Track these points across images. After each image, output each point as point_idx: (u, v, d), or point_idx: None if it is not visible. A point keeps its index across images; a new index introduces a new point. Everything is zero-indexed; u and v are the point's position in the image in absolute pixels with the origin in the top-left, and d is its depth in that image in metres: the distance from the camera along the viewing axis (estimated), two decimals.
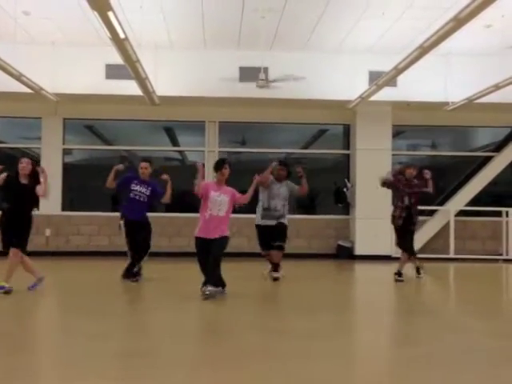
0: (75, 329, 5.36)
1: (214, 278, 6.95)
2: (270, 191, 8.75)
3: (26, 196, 7.23)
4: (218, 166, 7.31)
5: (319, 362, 4.29)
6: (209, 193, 7.10)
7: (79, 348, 4.62)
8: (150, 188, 8.47)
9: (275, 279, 8.62)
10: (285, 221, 8.75)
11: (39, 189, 7.29)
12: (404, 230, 8.94)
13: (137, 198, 8.40)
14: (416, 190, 8.99)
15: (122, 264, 8.42)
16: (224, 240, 7.09)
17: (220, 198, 7.11)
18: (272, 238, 8.61)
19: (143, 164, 8.61)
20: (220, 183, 7.26)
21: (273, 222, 8.64)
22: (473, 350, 4.71)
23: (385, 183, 9.27)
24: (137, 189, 8.42)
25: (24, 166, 7.20)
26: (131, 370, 4.00)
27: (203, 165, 7.81)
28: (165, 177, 8.46)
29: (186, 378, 3.94)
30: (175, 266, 10.74)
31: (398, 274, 8.87)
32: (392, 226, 9.16)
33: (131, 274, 8.26)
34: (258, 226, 8.78)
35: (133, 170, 9.03)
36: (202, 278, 6.99)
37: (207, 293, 6.77)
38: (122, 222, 8.42)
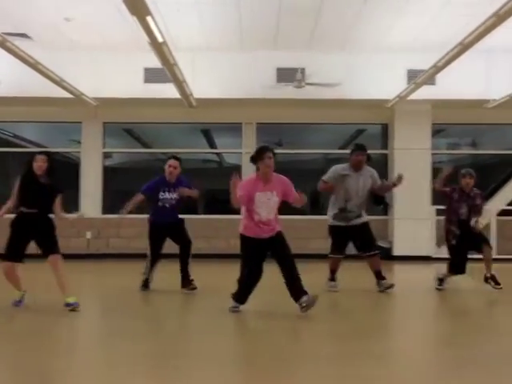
0: (118, 330, 5.43)
1: (302, 284, 5.72)
2: (345, 188, 7.37)
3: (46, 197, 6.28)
4: (259, 154, 5.64)
5: (363, 362, 4.25)
6: (253, 194, 5.65)
7: (124, 349, 4.67)
8: (178, 190, 7.58)
9: (389, 287, 7.52)
10: (363, 219, 7.58)
11: None
12: (458, 249, 7.55)
13: (166, 205, 7.56)
14: (477, 203, 7.59)
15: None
16: (283, 236, 5.81)
17: (269, 199, 5.65)
18: (355, 242, 7.67)
19: (172, 162, 7.48)
20: (266, 178, 5.66)
21: (347, 223, 7.54)
22: None
23: (441, 191, 7.72)
24: (165, 197, 7.54)
25: (40, 164, 6.16)
26: (178, 371, 4.01)
27: (239, 176, 5.88)
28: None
29: (235, 378, 3.94)
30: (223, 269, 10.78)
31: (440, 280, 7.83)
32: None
33: (187, 281, 7.51)
34: (331, 227, 7.67)
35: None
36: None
37: (304, 304, 5.67)
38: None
